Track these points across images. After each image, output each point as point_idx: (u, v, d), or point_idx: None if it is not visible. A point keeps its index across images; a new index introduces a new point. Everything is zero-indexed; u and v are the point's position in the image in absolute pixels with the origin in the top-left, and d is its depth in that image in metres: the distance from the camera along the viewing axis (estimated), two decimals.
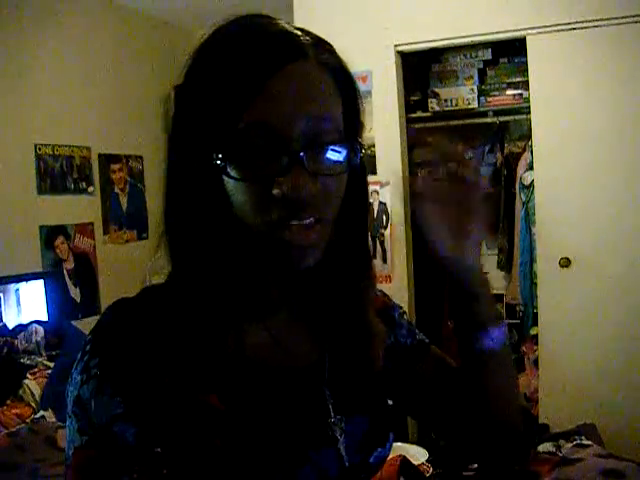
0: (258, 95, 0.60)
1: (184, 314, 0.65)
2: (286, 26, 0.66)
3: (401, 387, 0.85)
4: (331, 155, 0.64)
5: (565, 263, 2.96)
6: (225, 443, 0.63)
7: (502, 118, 3.41)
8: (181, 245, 0.67)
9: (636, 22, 2.76)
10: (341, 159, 0.65)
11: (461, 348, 0.80)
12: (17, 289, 3.05)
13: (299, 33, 0.65)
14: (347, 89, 0.68)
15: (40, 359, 2.69)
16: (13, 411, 2.39)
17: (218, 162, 0.61)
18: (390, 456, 1.54)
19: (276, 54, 0.61)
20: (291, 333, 0.74)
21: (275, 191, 0.61)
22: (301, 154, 0.61)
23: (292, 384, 0.71)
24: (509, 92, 3.35)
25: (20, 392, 2.49)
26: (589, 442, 1.77)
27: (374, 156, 3.18)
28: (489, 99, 3.40)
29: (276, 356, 0.71)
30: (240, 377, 0.66)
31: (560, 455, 1.66)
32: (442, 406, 0.84)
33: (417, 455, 1.89)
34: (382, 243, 3.25)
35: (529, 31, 2.95)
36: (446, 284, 0.79)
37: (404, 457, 1.61)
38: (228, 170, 0.61)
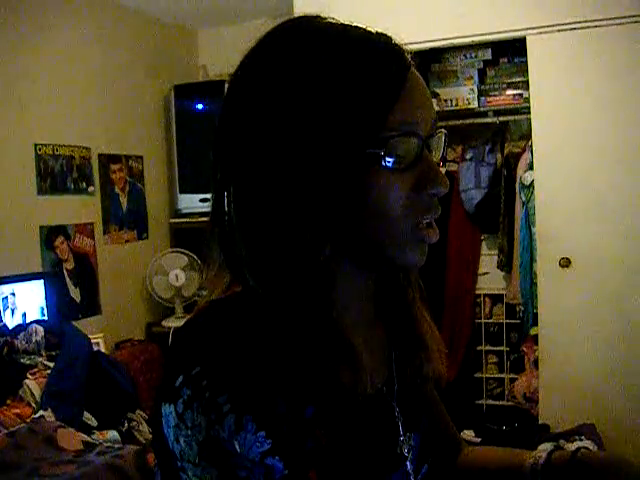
0: (396, 102, 0.61)
1: (291, 337, 0.60)
2: (375, 30, 0.69)
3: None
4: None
5: (565, 263, 2.96)
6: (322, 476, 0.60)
7: (502, 118, 3.41)
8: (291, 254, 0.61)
9: (636, 22, 2.76)
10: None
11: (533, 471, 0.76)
12: (17, 289, 3.05)
13: (392, 38, 0.68)
14: None
15: (40, 359, 2.68)
16: (13, 411, 2.38)
17: (378, 160, 0.60)
18: None
19: (400, 60, 0.64)
20: (369, 344, 0.71)
21: (433, 189, 0.63)
22: (440, 153, 0.66)
23: (370, 402, 0.68)
24: (509, 92, 3.36)
25: (20, 392, 2.49)
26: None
27: None
28: (489, 99, 3.40)
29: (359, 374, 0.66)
30: (336, 404, 0.61)
31: None
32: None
33: None
34: None
35: (529, 31, 2.95)
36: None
37: None
38: (386, 165, 0.61)
